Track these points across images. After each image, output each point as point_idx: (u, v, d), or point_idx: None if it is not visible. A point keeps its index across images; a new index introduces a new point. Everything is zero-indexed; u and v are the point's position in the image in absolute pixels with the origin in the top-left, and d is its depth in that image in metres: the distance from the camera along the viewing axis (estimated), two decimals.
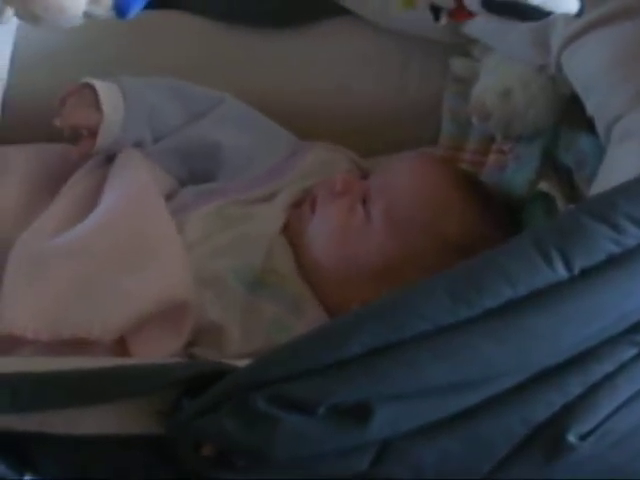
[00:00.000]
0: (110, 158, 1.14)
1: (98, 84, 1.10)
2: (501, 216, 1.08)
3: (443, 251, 1.01)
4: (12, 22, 1.22)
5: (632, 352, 0.74)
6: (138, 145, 1.12)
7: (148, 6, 1.26)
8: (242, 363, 0.74)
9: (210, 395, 0.72)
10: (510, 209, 1.11)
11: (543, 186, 1.06)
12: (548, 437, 0.74)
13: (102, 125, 1.09)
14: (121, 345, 0.94)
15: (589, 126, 1.00)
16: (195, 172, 1.15)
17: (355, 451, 0.72)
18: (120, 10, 0.87)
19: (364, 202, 1.06)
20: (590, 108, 0.98)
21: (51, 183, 1.12)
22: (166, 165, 1.13)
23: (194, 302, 0.96)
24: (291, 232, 1.08)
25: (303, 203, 1.11)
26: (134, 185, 1.06)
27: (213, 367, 0.74)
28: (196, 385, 0.73)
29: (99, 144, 1.10)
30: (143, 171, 1.09)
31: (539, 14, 0.84)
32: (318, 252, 1.05)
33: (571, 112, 1.07)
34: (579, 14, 0.86)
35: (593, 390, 0.74)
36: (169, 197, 1.11)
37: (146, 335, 0.94)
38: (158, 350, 0.94)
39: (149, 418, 0.74)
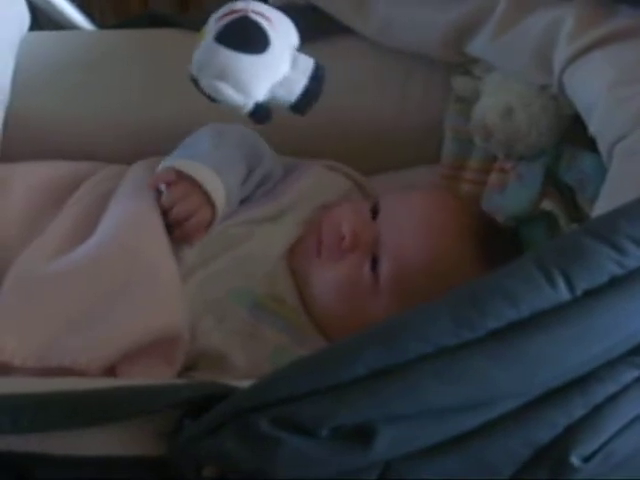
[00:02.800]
0: (113, 175, 1.14)
1: (200, 177, 1.05)
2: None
3: None
4: (14, 41, 1.24)
5: (635, 374, 0.74)
6: None
7: (149, 24, 1.28)
8: (244, 384, 0.74)
9: (212, 416, 0.71)
10: (518, 242, 1.10)
11: (546, 205, 1.06)
12: (551, 459, 0.73)
13: (216, 218, 1.05)
14: (109, 375, 0.92)
15: (591, 145, 1.00)
16: None
17: (358, 473, 0.72)
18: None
19: (373, 259, 1.03)
20: (592, 128, 0.98)
21: (53, 201, 1.11)
22: None
23: (185, 333, 0.95)
24: (296, 265, 1.07)
25: (309, 236, 1.09)
26: (133, 209, 1.05)
27: (215, 388, 0.74)
28: (198, 406, 0.73)
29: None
30: (147, 192, 1.07)
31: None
32: (321, 303, 1.04)
33: (573, 131, 1.07)
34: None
35: (596, 411, 0.74)
36: None
37: (135, 366, 0.93)
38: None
39: (150, 439, 0.74)
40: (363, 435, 0.70)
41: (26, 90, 1.23)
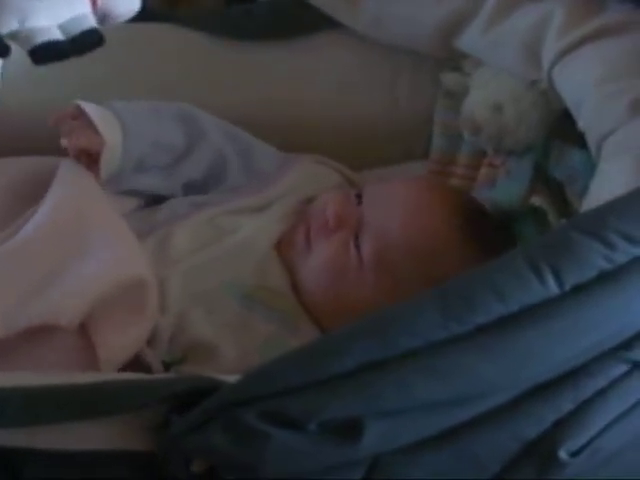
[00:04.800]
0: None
1: (89, 109, 1.06)
2: (499, 248, 1.05)
3: None
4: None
5: (623, 369, 0.74)
6: (142, 167, 1.08)
7: (138, 19, 1.28)
8: (232, 378, 0.74)
9: (200, 410, 0.71)
10: (507, 229, 1.10)
11: (535, 200, 1.06)
12: (539, 454, 0.73)
13: (104, 148, 1.04)
14: (84, 336, 0.92)
15: (580, 141, 1.01)
16: (192, 189, 1.14)
17: (346, 467, 0.72)
18: None
19: (357, 238, 1.04)
20: (581, 123, 0.98)
21: (33, 197, 1.11)
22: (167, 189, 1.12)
23: (152, 279, 0.95)
24: (285, 254, 1.07)
25: (297, 225, 1.09)
26: (74, 183, 1.05)
27: (203, 382, 0.74)
28: (185, 400, 0.72)
29: (104, 169, 1.05)
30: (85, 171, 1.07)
31: None
32: (310, 286, 1.04)
33: (562, 127, 1.07)
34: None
35: (584, 406, 0.74)
36: (149, 208, 1.11)
37: (107, 321, 0.92)
38: (122, 337, 0.92)
39: (138, 434, 0.74)
40: (351, 429, 0.70)
41: (14, 85, 1.23)
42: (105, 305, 0.92)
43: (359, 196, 1.09)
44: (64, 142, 1.06)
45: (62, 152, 1.17)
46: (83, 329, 0.92)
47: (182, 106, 1.14)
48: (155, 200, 1.11)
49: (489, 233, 1.06)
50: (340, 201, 1.08)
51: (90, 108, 1.06)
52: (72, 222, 1.00)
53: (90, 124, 1.05)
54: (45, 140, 1.19)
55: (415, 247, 1.02)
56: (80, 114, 1.06)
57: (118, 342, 0.92)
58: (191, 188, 1.13)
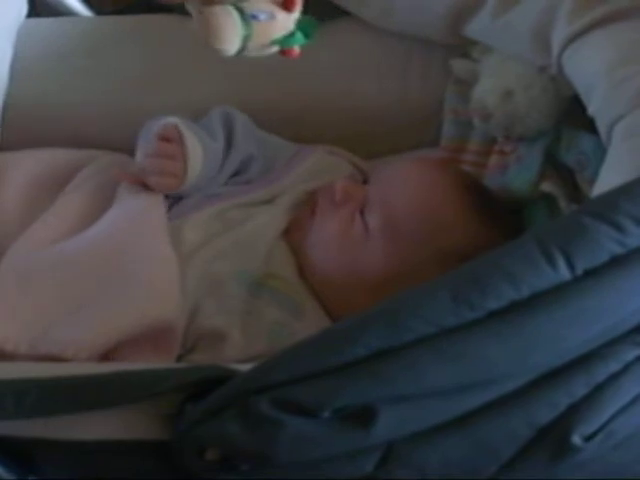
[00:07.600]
0: (109, 166, 1.14)
1: (187, 138, 1.06)
2: (504, 222, 1.06)
3: (444, 262, 0.96)
4: (12, 28, 1.24)
5: (636, 352, 0.74)
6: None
7: (145, 10, 1.28)
8: (245, 367, 0.74)
9: (213, 399, 0.72)
10: (513, 212, 1.10)
11: (545, 186, 1.06)
12: (553, 438, 0.73)
13: (185, 179, 1.06)
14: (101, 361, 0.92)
15: (590, 126, 1.00)
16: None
17: (360, 454, 0.72)
18: None
19: (363, 212, 1.05)
20: (591, 108, 0.98)
21: (51, 188, 1.11)
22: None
23: (180, 324, 0.95)
24: (292, 237, 1.08)
25: (305, 208, 1.11)
26: (136, 203, 1.06)
27: (217, 371, 0.74)
28: (199, 389, 0.73)
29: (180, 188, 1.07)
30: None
31: None
32: (318, 261, 1.05)
33: (572, 112, 1.07)
34: None
35: (598, 391, 0.74)
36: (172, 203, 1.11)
37: (130, 355, 0.92)
38: None
39: (153, 423, 0.74)
40: (365, 416, 0.70)
41: (24, 77, 1.23)
42: (129, 340, 0.92)
43: (366, 182, 1.11)
44: (144, 166, 1.07)
45: (73, 143, 1.17)
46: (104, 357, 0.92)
47: (225, 115, 1.15)
48: None
49: (494, 206, 1.07)
50: (347, 180, 1.10)
51: (189, 141, 1.06)
52: (118, 249, 1.00)
53: (180, 155, 1.06)
54: (56, 132, 1.20)
55: (420, 216, 1.04)
56: (177, 137, 1.06)
57: None
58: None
